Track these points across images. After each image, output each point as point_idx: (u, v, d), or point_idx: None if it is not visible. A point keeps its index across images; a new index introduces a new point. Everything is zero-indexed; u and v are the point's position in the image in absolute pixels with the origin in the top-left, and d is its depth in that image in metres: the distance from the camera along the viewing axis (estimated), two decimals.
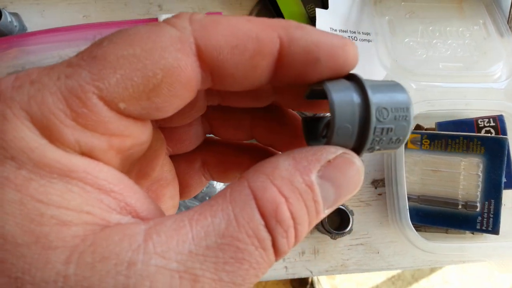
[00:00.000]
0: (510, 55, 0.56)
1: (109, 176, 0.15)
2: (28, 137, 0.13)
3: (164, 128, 0.22)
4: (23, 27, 0.53)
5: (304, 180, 0.15)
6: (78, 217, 0.13)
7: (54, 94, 0.14)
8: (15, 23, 0.51)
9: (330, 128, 0.16)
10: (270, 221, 0.14)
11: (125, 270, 0.13)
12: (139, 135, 0.16)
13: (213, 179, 0.25)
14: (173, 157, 0.23)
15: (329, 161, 0.16)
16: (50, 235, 0.13)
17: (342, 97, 0.16)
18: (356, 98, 0.16)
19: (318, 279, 1.47)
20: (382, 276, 1.54)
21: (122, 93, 0.14)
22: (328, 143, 0.16)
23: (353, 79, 0.17)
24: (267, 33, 0.16)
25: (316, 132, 0.20)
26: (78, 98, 0.14)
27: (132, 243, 0.13)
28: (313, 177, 0.15)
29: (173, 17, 0.16)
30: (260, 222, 0.14)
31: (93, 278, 0.12)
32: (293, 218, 0.15)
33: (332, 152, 0.16)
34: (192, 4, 0.58)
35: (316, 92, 0.18)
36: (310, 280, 1.45)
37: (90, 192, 0.14)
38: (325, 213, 0.16)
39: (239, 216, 0.14)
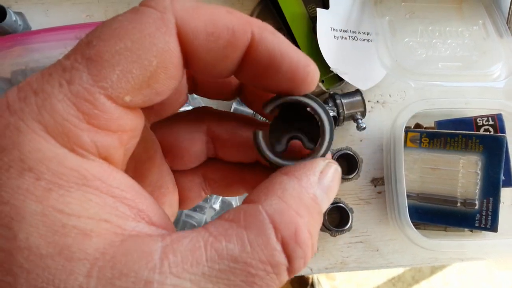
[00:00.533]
0: (509, 55, 0.56)
1: (121, 183, 0.15)
2: (44, 147, 0.14)
3: (165, 143, 0.23)
4: (27, 26, 0.53)
5: (311, 196, 0.16)
6: (97, 225, 0.14)
7: (62, 101, 0.14)
8: (20, 22, 0.52)
9: (321, 142, 0.19)
10: (289, 244, 0.15)
11: None
12: (137, 124, 0.17)
13: (214, 193, 0.25)
14: (175, 170, 0.24)
15: (321, 172, 0.17)
16: (72, 246, 0.13)
17: (327, 115, 0.19)
18: (329, 116, 0.19)
19: (318, 280, 1.47)
20: (382, 277, 1.54)
21: (125, 87, 0.15)
22: (317, 155, 0.19)
23: (310, 98, 0.19)
24: (243, 27, 0.17)
25: (270, 144, 0.21)
26: (87, 101, 0.14)
27: (149, 262, 0.14)
28: (316, 191, 0.17)
29: None
30: (276, 247, 0.15)
31: None
32: (311, 236, 0.15)
33: (322, 164, 0.18)
34: None
35: (278, 106, 0.20)
36: (310, 281, 1.45)
37: (105, 199, 0.14)
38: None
39: (253, 242, 0.14)
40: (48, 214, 0.13)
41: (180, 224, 0.43)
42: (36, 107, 0.14)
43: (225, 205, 0.46)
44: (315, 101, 0.19)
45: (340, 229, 0.49)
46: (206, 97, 0.24)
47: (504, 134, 0.48)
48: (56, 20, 0.57)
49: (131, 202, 0.15)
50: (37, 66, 0.49)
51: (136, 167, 0.21)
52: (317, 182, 0.17)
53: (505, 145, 0.47)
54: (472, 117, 0.52)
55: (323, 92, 0.56)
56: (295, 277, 1.42)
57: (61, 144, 0.14)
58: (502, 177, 0.48)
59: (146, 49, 0.15)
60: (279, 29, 0.59)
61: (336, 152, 0.51)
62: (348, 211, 0.50)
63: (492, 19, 0.59)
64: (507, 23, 0.59)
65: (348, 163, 0.53)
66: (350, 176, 0.50)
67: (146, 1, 0.16)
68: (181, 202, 0.24)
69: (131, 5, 0.58)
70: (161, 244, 0.14)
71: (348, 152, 0.51)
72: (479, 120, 0.51)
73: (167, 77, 0.16)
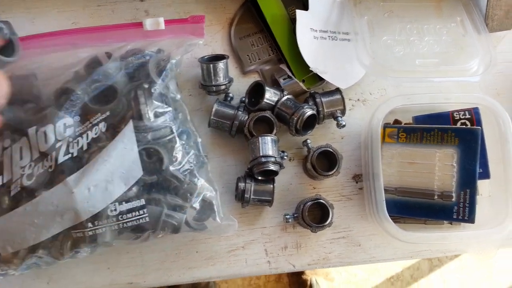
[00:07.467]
0: (487, 51, 0.57)
1: None
2: None
3: None
4: (14, 34, 0.55)
5: None
6: None
7: None
8: (6, 31, 0.53)
9: None
10: None
11: None
12: None
13: None
14: None
15: None
16: None
17: None
18: None
19: (316, 281, 1.47)
20: (381, 277, 1.54)
21: None
22: None
23: None
24: None
25: None
26: None
27: None
28: None
29: None
30: None
31: None
32: None
33: None
34: (178, 9, 0.60)
35: None
36: (309, 282, 1.46)
37: None
38: None
39: None
40: None
41: (160, 224, 0.43)
42: None
43: (206, 204, 0.46)
44: None
45: (321, 225, 0.50)
46: None
47: (478, 127, 0.49)
48: (42, 28, 0.57)
49: None
50: (22, 74, 0.50)
51: None
52: None
53: (479, 138, 0.48)
54: (449, 111, 0.53)
55: (304, 92, 0.57)
56: (294, 279, 1.41)
57: None
58: (478, 169, 0.49)
59: None
60: (260, 31, 0.60)
61: (316, 150, 0.52)
62: (328, 207, 0.51)
63: (470, 17, 0.60)
64: (485, 20, 0.60)
65: (329, 160, 0.54)
66: (330, 173, 0.51)
67: None
68: None
69: (116, 12, 0.59)
70: None
71: (328, 149, 0.52)
72: (456, 114, 0.52)
73: None
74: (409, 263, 1.55)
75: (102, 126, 0.44)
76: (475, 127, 0.50)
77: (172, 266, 0.51)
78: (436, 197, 0.48)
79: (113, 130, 0.44)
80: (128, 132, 0.43)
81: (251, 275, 0.52)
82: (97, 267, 0.50)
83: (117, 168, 0.42)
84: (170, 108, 0.46)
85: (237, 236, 0.52)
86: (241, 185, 0.50)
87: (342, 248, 0.53)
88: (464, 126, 0.51)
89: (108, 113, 0.44)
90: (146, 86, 0.46)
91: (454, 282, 1.54)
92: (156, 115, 0.45)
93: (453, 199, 0.48)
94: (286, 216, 0.51)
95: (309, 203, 0.51)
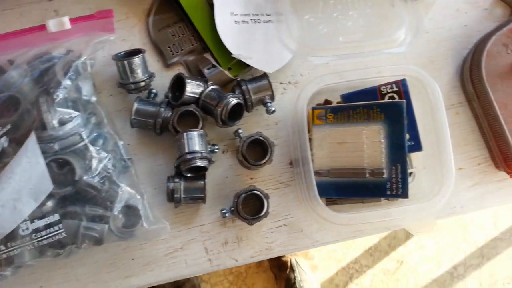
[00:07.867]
0: (414, 19, 0.56)
1: None
2: None
3: None
4: None
5: None
6: None
7: None
8: None
9: None
10: None
11: None
12: None
13: None
14: None
15: None
16: None
17: None
18: None
19: (297, 261, 1.48)
20: (359, 249, 1.56)
21: None
22: None
23: None
24: None
25: None
26: None
27: None
28: None
29: None
30: None
31: None
32: None
33: None
34: (90, 5, 0.57)
35: None
36: (289, 264, 1.46)
37: None
38: None
39: None
40: None
41: (79, 238, 0.41)
42: None
43: (131, 210, 0.44)
44: None
45: (256, 217, 0.48)
46: None
47: (402, 100, 0.48)
48: None
49: None
50: None
51: None
52: None
53: (404, 111, 0.47)
54: (376, 86, 0.51)
55: (231, 80, 0.55)
56: (274, 262, 1.41)
57: None
58: (407, 143, 0.48)
59: None
60: (180, 20, 0.57)
61: (246, 139, 0.50)
62: (263, 197, 0.49)
63: None
64: None
65: (263, 148, 0.52)
66: (262, 162, 0.50)
67: None
68: None
69: (23, 15, 0.55)
70: None
71: (259, 137, 0.50)
72: (383, 88, 0.51)
73: None
74: (385, 233, 1.57)
75: (3, 141, 0.41)
76: (399, 100, 0.49)
77: (107, 277, 0.49)
78: (368, 175, 0.47)
79: (17, 144, 0.41)
80: (31, 144, 0.40)
81: (192, 275, 0.51)
82: (29, 287, 0.48)
83: (23, 184, 0.40)
84: (77, 113, 0.44)
85: (174, 238, 0.51)
86: (170, 184, 0.48)
87: (284, 236, 0.52)
88: (389, 101, 0.49)
89: (9, 126, 0.42)
90: (51, 91, 0.43)
91: (431, 246, 1.57)
92: (62, 122, 0.42)
93: (385, 176, 0.47)
94: (223, 211, 0.50)
95: (243, 195, 0.49)
